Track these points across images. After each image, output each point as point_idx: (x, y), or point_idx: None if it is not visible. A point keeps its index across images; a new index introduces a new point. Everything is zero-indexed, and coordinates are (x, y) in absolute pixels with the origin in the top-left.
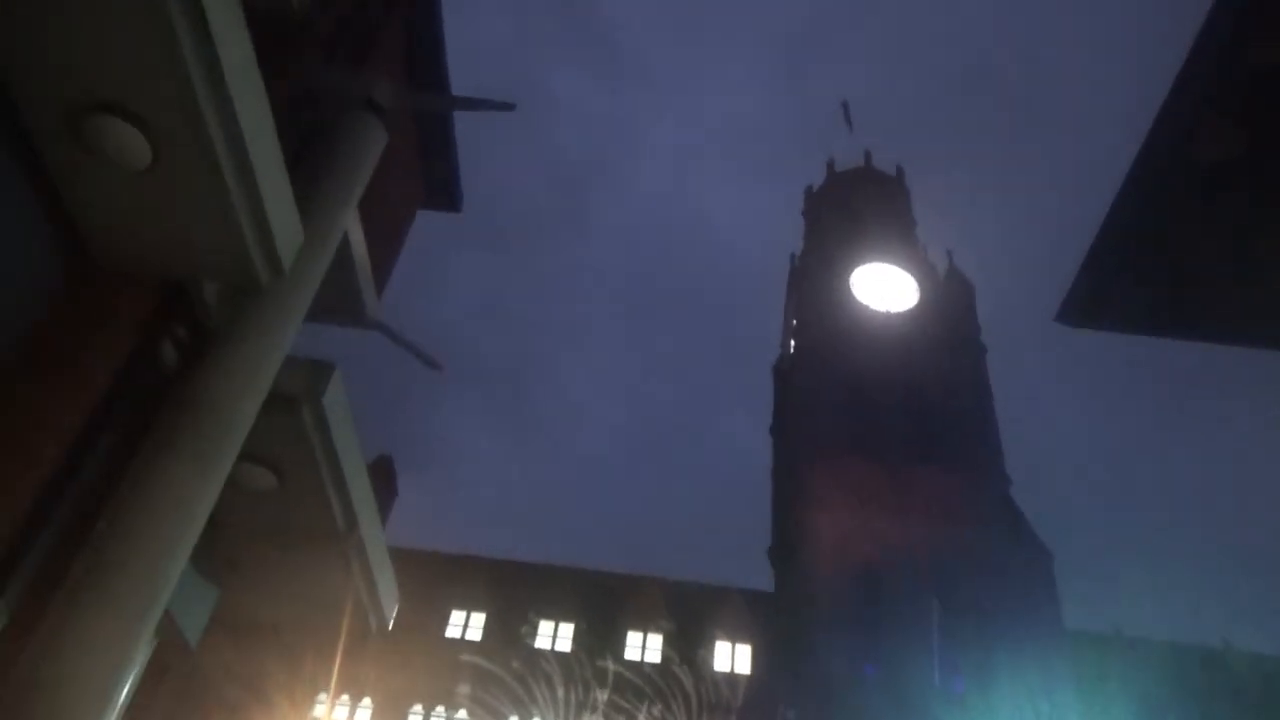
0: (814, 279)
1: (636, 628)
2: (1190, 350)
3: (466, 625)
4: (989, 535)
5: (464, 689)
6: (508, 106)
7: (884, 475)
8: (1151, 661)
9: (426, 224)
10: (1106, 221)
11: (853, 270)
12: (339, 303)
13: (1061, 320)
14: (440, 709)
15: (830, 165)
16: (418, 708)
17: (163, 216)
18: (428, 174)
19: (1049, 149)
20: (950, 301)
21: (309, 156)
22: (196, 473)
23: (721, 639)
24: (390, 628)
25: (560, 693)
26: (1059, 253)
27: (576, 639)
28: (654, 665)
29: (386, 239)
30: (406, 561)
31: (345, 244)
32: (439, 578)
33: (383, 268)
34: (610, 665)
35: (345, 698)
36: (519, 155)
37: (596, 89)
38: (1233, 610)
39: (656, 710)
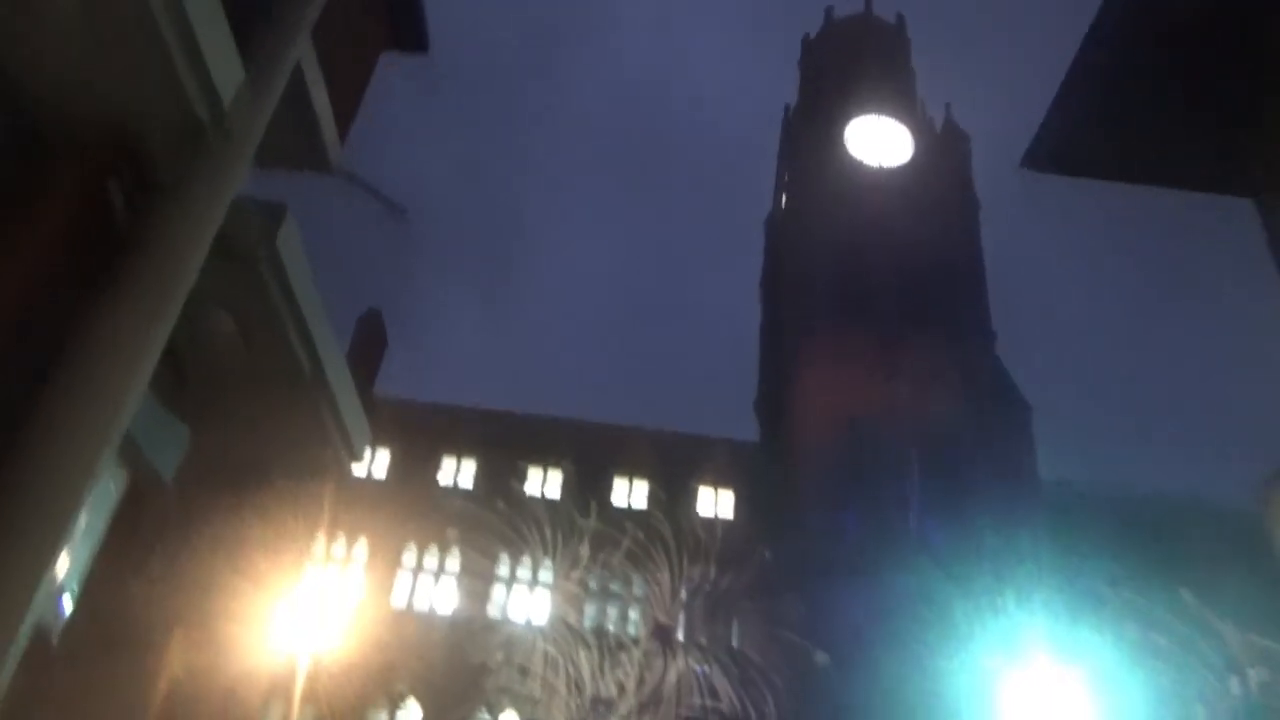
0: (808, 132)
1: (623, 474)
2: (1179, 202)
3: (458, 472)
4: (970, 390)
5: (455, 532)
6: None
7: (870, 331)
8: (1123, 512)
9: (394, 77)
10: (1072, 68)
11: (848, 123)
12: (298, 147)
13: (1028, 165)
14: (433, 548)
15: (829, 12)
16: (411, 547)
17: (97, 64)
18: (391, 11)
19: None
20: (946, 156)
21: None
22: (146, 313)
23: (705, 485)
24: (361, 460)
25: (549, 533)
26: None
27: (565, 485)
28: (640, 510)
29: (349, 82)
30: (398, 412)
31: (302, 85)
32: (431, 428)
33: (346, 112)
34: (594, 508)
35: (341, 537)
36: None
37: None
38: (1204, 461)
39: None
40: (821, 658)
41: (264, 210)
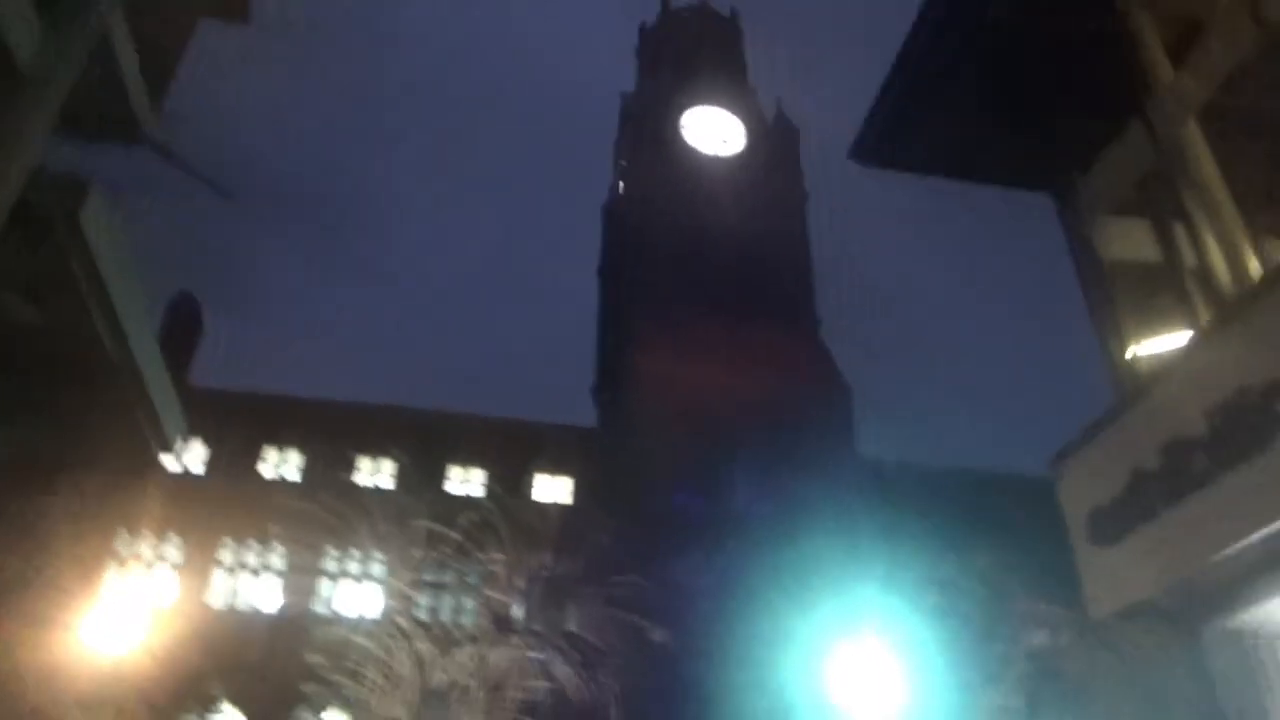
0: (645, 120)
1: (459, 462)
2: (994, 197)
3: (281, 464)
4: (796, 374)
5: (276, 527)
6: None
7: (703, 318)
8: (934, 487)
9: (210, 37)
10: (895, 66)
11: (684, 112)
12: (106, 116)
13: (854, 158)
14: (253, 544)
15: (665, 2)
16: (226, 542)
17: None
18: None
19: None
20: (777, 148)
21: None
22: None
23: (543, 473)
24: (174, 452)
25: (380, 525)
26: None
27: (398, 475)
28: (476, 498)
29: (164, 49)
30: (216, 403)
31: (109, 50)
32: (253, 418)
33: (159, 80)
34: (427, 497)
35: (150, 535)
36: None
37: None
38: (1011, 438)
39: (475, 540)
40: (660, 634)
41: (67, 182)
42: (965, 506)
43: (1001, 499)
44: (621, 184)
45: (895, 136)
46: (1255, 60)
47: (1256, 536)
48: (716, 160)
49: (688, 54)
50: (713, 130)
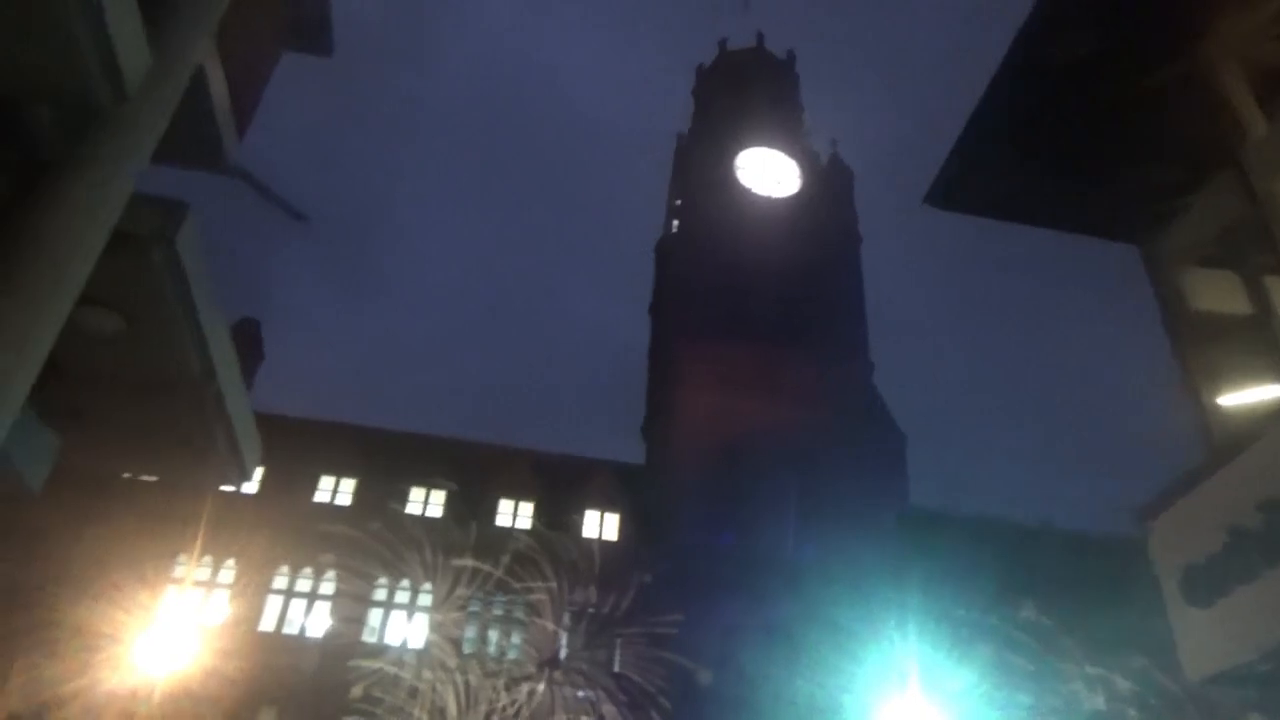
0: (700, 160)
1: (508, 496)
2: (1050, 243)
3: (336, 491)
4: (848, 417)
5: (331, 555)
6: None
7: (753, 356)
8: (981, 537)
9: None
10: (974, 113)
11: (739, 153)
12: (194, 144)
13: (930, 202)
14: (308, 571)
15: (722, 44)
16: (284, 569)
17: None
18: (294, 11)
19: (935, 39)
20: (831, 190)
21: None
22: (30, 314)
23: (591, 508)
24: (253, 479)
25: (429, 555)
26: (942, 140)
27: (447, 506)
28: (524, 532)
29: (249, 79)
30: (273, 428)
31: (202, 79)
32: (307, 444)
33: (243, 112)
34: (474, 530)
35: (208, 559)
36: None
37: None
38: (1058, 491)
39: (521, 573)
40: (704, 676)
41: (166, 206)
42: (1018, 559)
43: (1056, 553)
44: (675, 223)
45: (973, 181)
46: None
47: None
48: (770, 201)
49: (744, 95)
50: (767, 171)
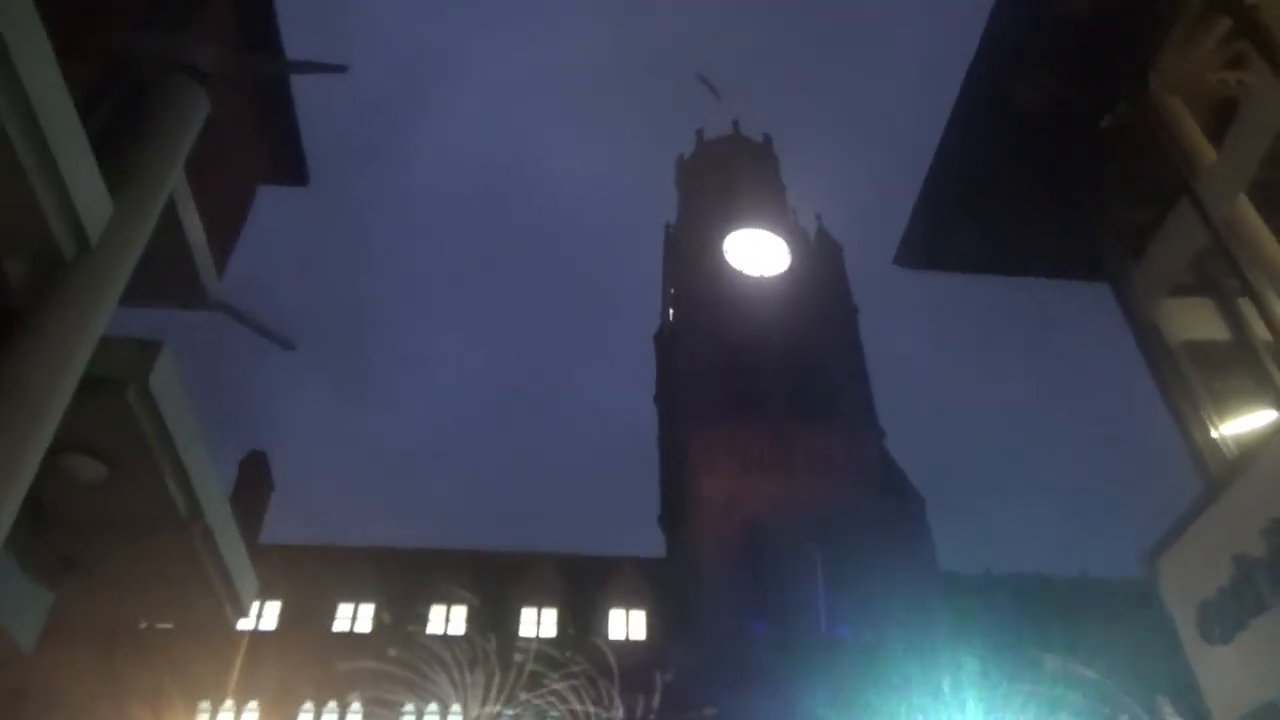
0: (690, 247)
1: (530, 604)
2: (1049, 292)
3: (355, 618)
4: (865, 486)
5: (354, 688)
6: (339, 69)
7: (764, 436)
8: (1018, 595)
9: None
10: (932, 168)
11: (726, 237)
12: (174, 282)
13: (900, 263)
14: (333, 704)
15: (699, 134)
16: (308, 705)
17: None
18: (269, 145)
19: (906, 102)
20: (821, 264)
21: (126, 125)
22: (3, 467)
23: (616, 607)
24: (248, 616)
25: (455, 674)
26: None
27: (470, 620)
28: (549, 639)
29: (226, 216)
30: (288, 558)
31: (176, 221)
32: (323, 571)
33: (224, 246)
34: (494, 642)
35: (228, 703)
36: (321, 84)
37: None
38: (1090, 539)
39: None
40: None
41: (137, 347)
42: (1055, 613)
43: (1092, 603)
44: (671, 311)
45: (938, 239)
46: None
47: None
48: (762, 281)
49: (726, 181)
50: (756, 252)
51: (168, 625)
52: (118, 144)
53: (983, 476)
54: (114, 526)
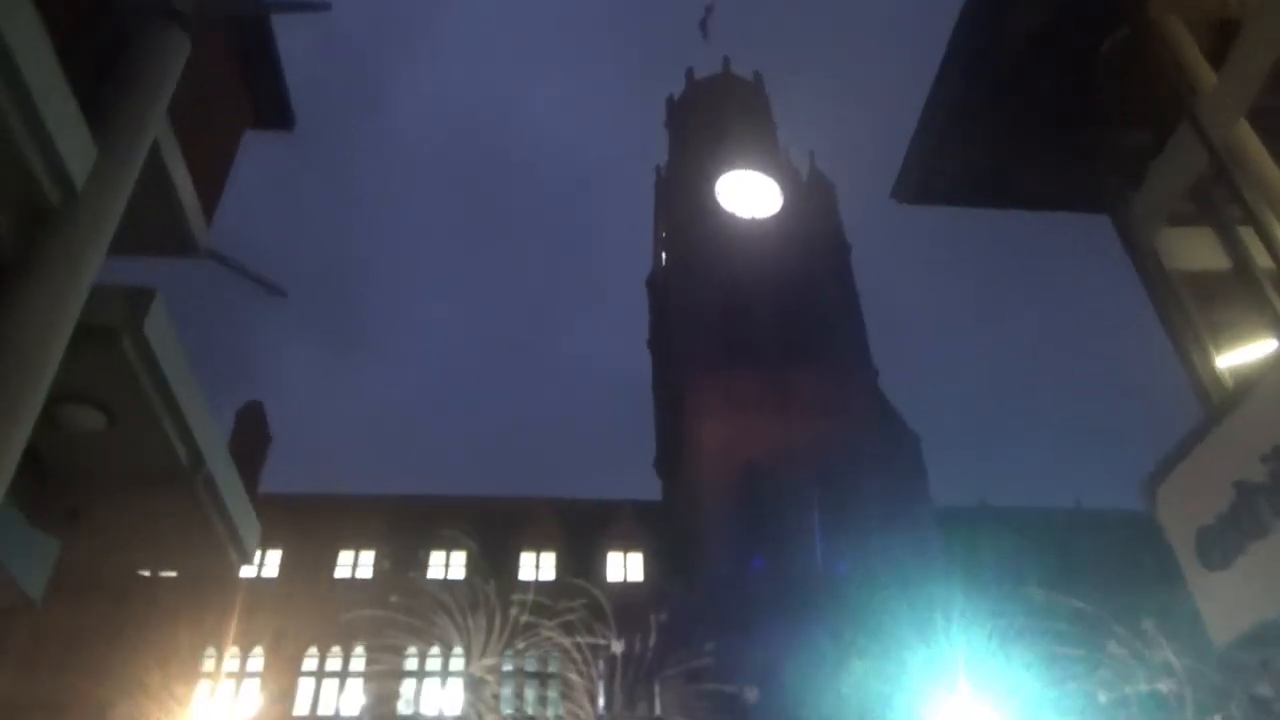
0: (681, 190)
1: (529, 549)
2: (1039, 223)
3: (356, 565)
4: (860, 425)
5: (358, 632)
6: (323, 6)
7: (758, 378)
8: (1013, 528)
9: None
10: (928, 101)
11: (718, 179)
12: (161, 232)
13: (896, 197)
14: (336, 650)
15: (689, 73)
16: (313, 652)
17: None
18: (252, 90)
19: (897, 38)
20: (813, 204)
21: (106, 70)
22: (2, 417)
23: (614, 551)
24: (253, 563)
25: (457, 619)
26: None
27: (469, 565)
28: (549, 582)
29: (213, 163)
30: (287, 508)
31: (162, 167)
32: (323, 520)
33: (211, 193)
34: (493, 586)
35: (234, 649)
36: (302, 29)
37: None
38: (1083, 472)
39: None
40: (751, 694)
41: (130, 295)
42: (1049, 545)
43: (1086, 535)
44: (664, 255)
45: (935, 171)
46: None
47: None
48: (755, 222)
49: (716, 122)
50: (749, 193)
51: (172, 574)
52: (98, 89)
53: (978, 411)
54: (117, 476)
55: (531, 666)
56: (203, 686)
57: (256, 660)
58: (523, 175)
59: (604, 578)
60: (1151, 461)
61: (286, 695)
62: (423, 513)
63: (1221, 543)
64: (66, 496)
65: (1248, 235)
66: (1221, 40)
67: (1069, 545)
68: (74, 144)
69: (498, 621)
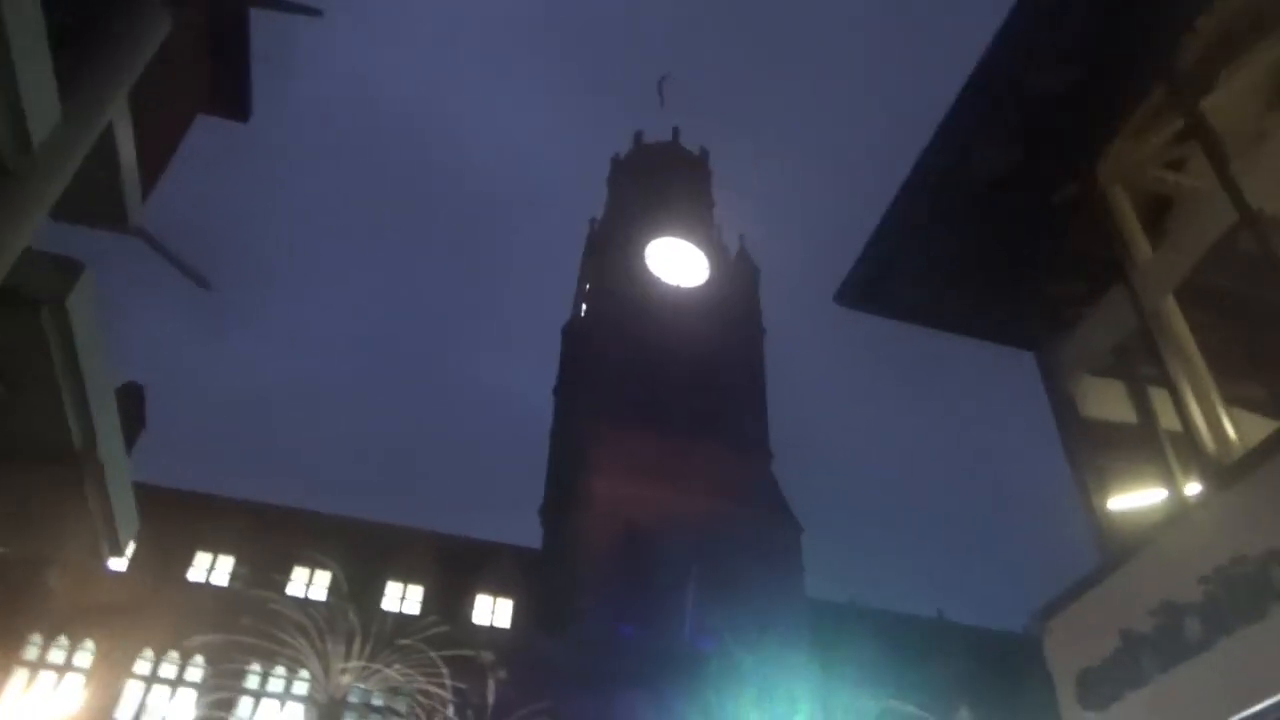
0: (612, 246)
1: (397, 578)
2: (949, 344)
3: (212, 569)
4: (747, 505)
5: (203, 636)
6: (314, 12)
7: (657, 444)
8: (879, 630)
9: None
10: (883, 221)
11: (650, 242)
12: (98, 202)
13: (840, 301)
14: (174, 655)
15: (638, 137)
16: (148, 653)
17: None
18: (215, 76)
19: (847, 139)
20: (737, 283)
21: (83, 35)
22: None
23: (484, 593)
24: (125, 557)
25: (311, 641)
26: (849, 238)
27: (333, 588)
28: (412, 616)
29: (159, 142)
30: (149, 499)
31: (110, 138)
32: (185, 517)
33: (152, 172)
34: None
35: (63, 639)
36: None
37: None
38: (950, 585)
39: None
40: None
41: (58, 264)
42: (911, 652)
43: (951, 647)
44: (584, 306)
45: (879, 284)
46: (1227, 242)
47: (1254, 710)
48: (678, 290)
49: (657, 186)
50: (676, 261)
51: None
52: (72, 51)
53: (865, 510)
54: (4, 449)
55: (378, 700)
56: (19, 675)
57: (85, 655)
58: (450, 186)
59: (470, 619)
60: (1025, 591)
61: (111, 697)
62: (291, 525)
63: (1101, 687)
64: None
65: (1158, 396)
66: (1159, 213)
67: (929, 654)
68: (41, 105)
69: (355, 648)
